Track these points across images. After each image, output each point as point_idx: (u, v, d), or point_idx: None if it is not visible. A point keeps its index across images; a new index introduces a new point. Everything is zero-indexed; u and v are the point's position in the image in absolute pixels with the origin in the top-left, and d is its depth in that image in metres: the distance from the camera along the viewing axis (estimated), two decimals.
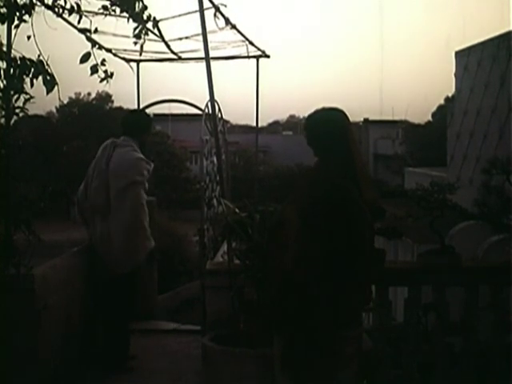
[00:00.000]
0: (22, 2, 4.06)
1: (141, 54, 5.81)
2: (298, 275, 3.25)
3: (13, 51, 4.13)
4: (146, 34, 4.77)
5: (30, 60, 4.06)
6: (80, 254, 5.61)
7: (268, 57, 7.45)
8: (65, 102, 40.71)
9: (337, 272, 3.21)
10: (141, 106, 7.56)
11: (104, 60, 4.52)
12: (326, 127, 3.51)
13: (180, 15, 5.98)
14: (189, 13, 5.87)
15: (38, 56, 4.08)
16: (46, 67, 4.08)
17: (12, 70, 4.07)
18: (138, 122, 5.77)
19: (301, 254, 3.25)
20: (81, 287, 5.41)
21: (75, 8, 4.39)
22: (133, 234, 5.43)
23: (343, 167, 3.37)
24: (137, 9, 4.51)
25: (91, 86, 42.81)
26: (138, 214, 5.44)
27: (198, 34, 6.03)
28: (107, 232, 5.42)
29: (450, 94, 30.66)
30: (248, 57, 7.29)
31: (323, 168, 3.47)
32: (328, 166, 3.43)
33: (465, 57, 15.29)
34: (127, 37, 5.06)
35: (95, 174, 5.50)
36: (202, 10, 5.49)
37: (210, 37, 5.84)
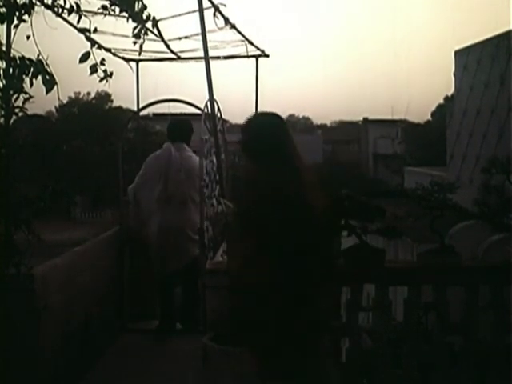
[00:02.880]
0: (21, 2, 4.05)
1: (140, 54, 5.79)
2: (245, 281, 3.23)
3: (12, 51, 4.12)
4: (146, 33, 4.77)
5: (29, 60, 4.06)
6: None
7: (267, 56, 7.44)
8: (64, 101, 40.78)
9: (287, 275, 3.16)
10: (140, 106, 7.56)
11: (103, 59, 4.52)
12: (263, 131, 3.47)
13: (179, 15, 5.97)
14: (188, 12, 5.86)
15: (38, 56, 4.07)
16: (46, 67, 4.07)
17: (11, 70, 4.06)
18: (187, 130, 6.82)
19: (246, 260, 3.21)
20: (83, 285, 5.42)
21: (75, 8, 4.38)
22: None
23: (283, 170, 3.31)
24: (136, 8, 4.50)
25: (91, 86, 42.92)
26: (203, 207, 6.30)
27: (197, 34, 6.03)
28: (184, 219, 6.38)
29: (449, 94, 30.73)
30: (247, 56, 7.28)
31: (262, 171, 3.37)
32: (267, 169, 3.34)
33: (464, 56, 15.30)
34: (127, 36, 5.06)
35: (173, 171, 6.47)
36: (201, 10, 5.49)
37: (209, 36, 5.83)
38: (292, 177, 3.30)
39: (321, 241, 3.32)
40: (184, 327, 6.57)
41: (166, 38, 6.26)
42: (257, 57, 7.39)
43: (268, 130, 3.47)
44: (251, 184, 3.44)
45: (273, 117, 3.56)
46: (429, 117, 43.04)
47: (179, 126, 6.91)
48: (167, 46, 6.56)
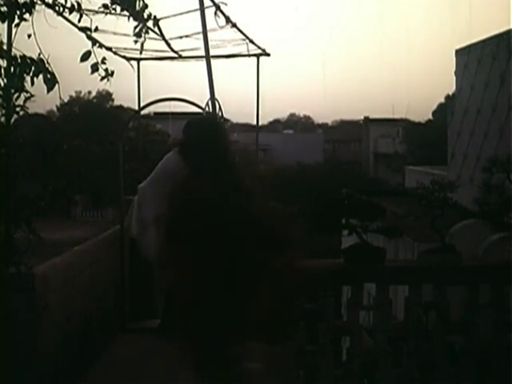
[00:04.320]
0: (22, 1, 4.05)
1: (141, 53, 5.81)
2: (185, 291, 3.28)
3: (13, 50, 4.12)
4: (147, 32, 4.78)
5: (30, 58, 4.06)
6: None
7: (268, 55, 7.45)
8: (65, 100, 40.78)
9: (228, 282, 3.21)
10: (141, 105, 7.56)
11: (104, 58, 4.52)
12: (197, 135, 3.60)
13: (180, 14, 5.97)
14: (189, 11, 5.86)
15: (39, 54, 4.07)
16: (47, 66, 4.08)
17: (12, 69, 4.06)
18: None
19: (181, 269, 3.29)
20: (82, 287, 5.42)
21: (76, 6, 4.38)
22: None
23: (217, 173, 3.40)
24: (137, 7, 4.51)
25: (92, 85, 42.89)
26: None
27: (198, 33, 6.03)
28: None
29: (450, 93, 30.72)
30: (248, 55, 7.29)
31: (196, 175, 3.48)
32: (198, 174, 3.45)
33: (465, 55, 15.29)
34: (128, 35, 5.07)
35: None
36: (202, 9, 5.49)
37: (210, 35, 5.83)
38: (221, 183, 3.37)
39: (249, 246, 3.28)
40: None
41: (167, 37, 6.26)
42: (258, 56, 7.39)
43: (202, 134, 3.59)
44: (182, 189, 3.55)
45: (209, 122, 3.80)
46: (430, 116, 43.10)
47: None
48: (168, 44, 6.57)
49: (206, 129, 3.65)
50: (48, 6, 4.36)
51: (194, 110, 7.16)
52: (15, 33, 4.13)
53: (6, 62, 4.10)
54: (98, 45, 4.66)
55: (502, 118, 12.71)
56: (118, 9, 4.52)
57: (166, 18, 5.64)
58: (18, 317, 4.20)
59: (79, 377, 5.16)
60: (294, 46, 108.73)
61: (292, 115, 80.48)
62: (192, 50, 6.96)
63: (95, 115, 40.45)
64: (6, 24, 4.12)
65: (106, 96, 45.33)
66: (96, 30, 4.57)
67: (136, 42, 4.78)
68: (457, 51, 15.89)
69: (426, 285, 4.80)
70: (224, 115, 6.83)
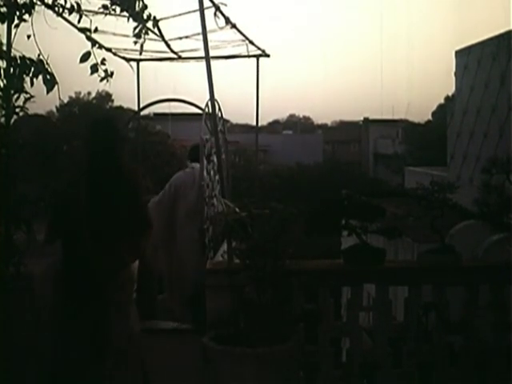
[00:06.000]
0: (22, 2, 4.06)
1: (141, 54, 5.80)
2: None
3: (13, 50, 4.13)
4: (146, 33, 4.77)
5: (30, 59, 4.07)
6: None
7: (268, 56, 7.45)
8: (65, 101, 40.72)
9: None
10: (141, 106, 7.56)
11: (104, 59, 4.53)
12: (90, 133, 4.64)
13: (180, 14, 5.97)
14: (189, 12, 5.86)
15: (38, 55, 4.08)
16: (46, 66, 4.08)
17: (12, 70, 4.07)
18: None
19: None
20: None
21: (75, 7, 4.39)
22: None
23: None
24: (137, 8, 4.51)
25: (91, 86, 42.92)
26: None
27: (198, 34, 6.02)
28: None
29: (450, 94, 30.72)
30: (248, 56, 7.29)
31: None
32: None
33: (465, 56, 15.32)
34: (127, 36, 5.07)
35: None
36: (202, 10, 5.48)
37: (210, 36, 5.82)
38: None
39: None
40: (197, 328, 6.45)
41: (166, 38, 6.26)
42: (257, 56, 7.39)
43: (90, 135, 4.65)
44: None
45: (98, 123, 4.67)
46: (429, 117, 43.06)
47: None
48: (168, 45, 6.57)
49: (90, 130, 4.65)
50: (47, 6, 4.37)
51: (194, 111, 7.16)
52: (15, 33, 4.13)
53: (5, 62, 4.10)
54: (97, 45, 4.66)
55: (502, 118, 12.74)
56: (118, 9, 4.52)
57: (165, 18, 5.65)
58: (17, 317, 4.20)
59: (79, 377, 5.14)
60: (293, 46, 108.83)
61: (291, 116, 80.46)
62: (192, 50, 6.96)
63: (95, 116, 40.43)
64: (5, 25, 4.13)
65: (105, 97, 45.36)
66: (96, 30, 4.57)
67: (135, 42, 4.78)
68: (457, 52, 15.92)
69: (426, 285, 4.80)
70: (224, 116, 6.82)
